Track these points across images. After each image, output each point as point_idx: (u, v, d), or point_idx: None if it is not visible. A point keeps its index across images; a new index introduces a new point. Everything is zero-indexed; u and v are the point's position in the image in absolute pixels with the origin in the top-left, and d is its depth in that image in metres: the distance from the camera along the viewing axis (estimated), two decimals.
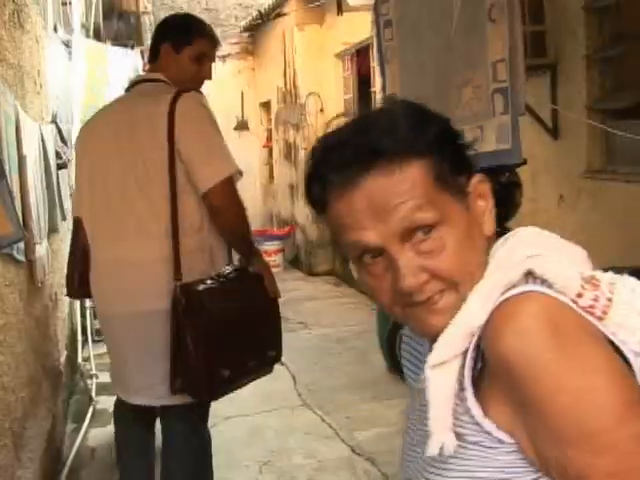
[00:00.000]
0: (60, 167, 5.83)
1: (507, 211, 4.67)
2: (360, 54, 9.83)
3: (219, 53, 15.08)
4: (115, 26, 14.80)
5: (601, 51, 4.93)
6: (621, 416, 1.17)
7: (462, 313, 1.27)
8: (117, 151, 3.48)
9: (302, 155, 11.40)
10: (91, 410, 5.77)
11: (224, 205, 3.39)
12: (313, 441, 5.08)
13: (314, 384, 6.22)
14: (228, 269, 3.54)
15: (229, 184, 3.39)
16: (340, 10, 7.61)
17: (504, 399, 1.24)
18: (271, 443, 5.08)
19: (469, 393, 1.27)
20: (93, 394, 6.04)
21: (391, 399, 5.65)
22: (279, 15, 11.68)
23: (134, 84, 3.73)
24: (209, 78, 3.86)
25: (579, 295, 1.25)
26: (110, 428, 5.31)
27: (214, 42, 3.92)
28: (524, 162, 4.72)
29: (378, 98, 4.19)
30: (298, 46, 11.39)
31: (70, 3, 8.83)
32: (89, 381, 6.28)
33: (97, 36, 12.43)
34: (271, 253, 11.41)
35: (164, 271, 3.35)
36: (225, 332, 3.34)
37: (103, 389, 5.70)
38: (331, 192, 1.33)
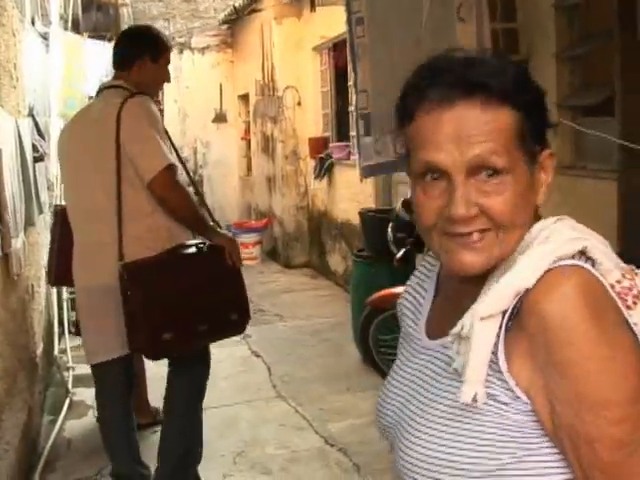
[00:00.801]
0: (37, 160, 5.83)
1: None
2: (337, 48, 9.85)
3: (199, 45, 14.95)
4: (94, 18, 14.78)
5: (570, 49, 5.01)
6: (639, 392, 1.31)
7: (513, 273, 1.34)
8: (85, 150, 4.15)
9: (279, 148, 11.44)
10: (67, 402, 5.82)
11: (165, 193, 3.97)
12: (287, 432, 5.15)
13: (288, 376, 6.29)
14: (188, 243, 4.17)
15: (167, 175, 3.95)
16: (313, 6, 7.64)
17: (530, 359, 1.33)
18: (245, 434, 5.15)
19: (501, 347, 1.35)
20: (70, 386, 6.08)
21: (364, 391, 5.73)
22: (254, 11, 11.71)
23: (102, 89, 4.38)
24: (169, 80, 4.57)
25: (618, 281, 1.38)
26: (86, 419, 5.40)
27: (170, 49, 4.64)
28: None
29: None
30: (276, 39, 11.41)
31: None
32: (65, 373, 6.32)
33: (75, 28, 12.41)
34: (248, 245, 11.47)
35: (111, 252, 4.00)
36: (170, 300, 3.94)
37: (79, 381, 5.75)
38: (424, 106, 1.41)
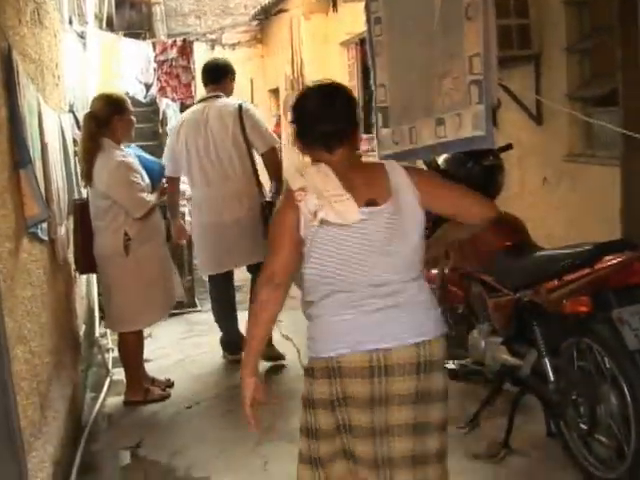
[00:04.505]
0: (77, 154, 6.15)
1: (490, 192, 5.02)
2: (364, 43, 10.05)
3: (229, 41, 15.11)
4: (127, 16, 15.14)
5: (580, 42, 5.26)
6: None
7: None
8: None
9: None
10: (108, 381, 6.16)
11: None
12: None
13: None
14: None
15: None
16: (335, 6, 7.89)
17: None
18: (274, 408, 5.41)
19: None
20: (110, 366, 6.43)
21: None
22: (282, 11, 11.92)
23: (206, 98, 6.43)
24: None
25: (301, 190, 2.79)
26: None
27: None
28: (511, 147, 5.07)
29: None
30: (305, 35, 11.63)
31: None
32: (106, 355, 6.67)
33: (110, 26, 12.76)
34: None
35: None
36: None
37: (118, 362, 6.05)
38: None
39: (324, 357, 2.81)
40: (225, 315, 6.57)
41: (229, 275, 6.51)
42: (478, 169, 4.88)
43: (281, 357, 6.40)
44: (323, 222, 2.71)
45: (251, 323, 2.89)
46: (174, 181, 6.34)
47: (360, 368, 2.75)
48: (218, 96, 6.33)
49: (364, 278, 2.77)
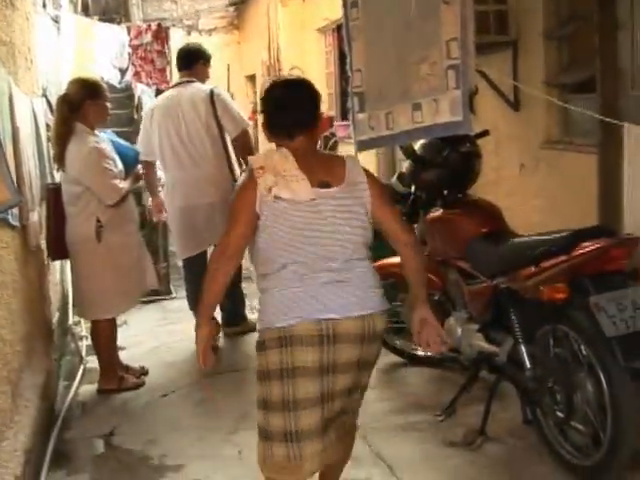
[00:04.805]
0: (50, 139, 6.08)
1: (467, 179, 5.00)
2: (341, 29, 10.01)
3: (206, 27, 15.07)
4: (102, 1, 14.99)
5: (558, 29, 5.24)
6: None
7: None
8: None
9: None
10: (81, 369, 6.10)
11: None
12: None
13: None
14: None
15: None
16: None
17: None
18: (252, 396, 5.39)
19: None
20: (83, 354, 6.37)
21: None
22: None
23: (179, 83, 6.51)
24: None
25: (261, 167, 3.09)
26: None
27: None
28: (487, 133, 5.06)
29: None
30: (281, 21, 11.61)
31: None
32: (79, 342, 6.61)
33: (85, 10, 12.63)
34: None
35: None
36: None
37: (92, 350, 5.99)
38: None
39: (276, 327, 3.04)
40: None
41: (204, 259, 6.42)
42: (455, 156, 4.86)
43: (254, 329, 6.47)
44: (277, 198, 3.01)
45: (204, 289, 3.17)
46: (150, 164, 6.38)
47: (310, 336, 3.00)
48: (191, 81, 6.39)
49: (313, 253, 3.05)
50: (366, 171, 3.25)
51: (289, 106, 3.18)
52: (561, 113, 5.36)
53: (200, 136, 6.19)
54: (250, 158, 3.23)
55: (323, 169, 3.15)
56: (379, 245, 6.54)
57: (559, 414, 3.99)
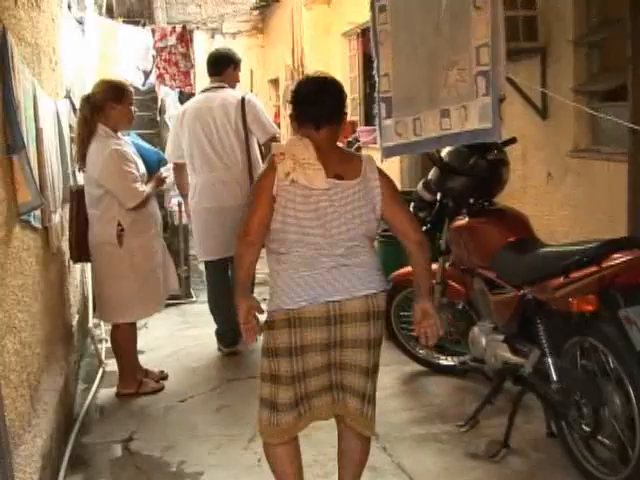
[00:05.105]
0: (73, 140, 6.06)
1: (494, 187, 4.94)
2: (365, 34, 9.98)
3: (230, 30, 15.09)
4: (127, 3, 15.03)
5: (587, 35, 5.16)
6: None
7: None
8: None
9: None
10: (100, 372, 6.07)
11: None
12: None
13: None
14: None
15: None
16: None
17: None
18: None
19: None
20: (103, 357, 6.33)
21: (386, 365, 5.84)
22: None
23: (209, 88, 6.48)
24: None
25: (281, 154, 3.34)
26: None
27: None
28: (515, 141, 4.99)
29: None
30: (306, 25, 11.57)
31: None
32: (99, 345, 6.57)
33: (109, 12, 12.66)
34: None
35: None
36: None
37: (112, 353, 5.96)
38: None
39: (286, 309, 3.32)
40: (220, 305, 6.51)
41: (226, 263, 6.44)
42: (482, 163, 4.80)
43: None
44: (293, 182, 3.27)
45: (235, 268, 3.48)
46: (180, 166, 6.48)
47: (318, 318, 3.30)
48: (221, 86, 6.44)
49: (321, 238, 3.30)
50: (380, 171, 3.47)
51: (317, 100, 3.41)
52: (590, 121, 5.28)
53: (230, 140, 6.25)
54: (273, 145, 3.51)
55: (340, 163, 3.39)
56: (401, 251, 6.50)
57: (586, 428, 3.93)
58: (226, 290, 6.42)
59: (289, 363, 3.35)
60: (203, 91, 6.63)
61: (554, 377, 4.05)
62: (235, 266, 3.48)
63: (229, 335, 6.44)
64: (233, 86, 6.56)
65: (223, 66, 6.54)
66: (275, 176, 3.29)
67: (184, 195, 6.75)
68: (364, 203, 3.37)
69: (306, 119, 3.42)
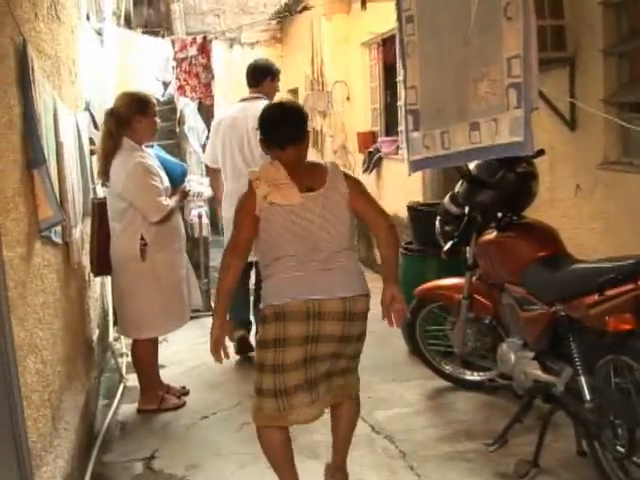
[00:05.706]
0: (93, 153, 6.00)
1: (523, 200, 4.84)
2: (386, 43, 9.91)
3: (248, 40, 15.00)
4: (145, 13, 15.01)
5: (617, 45, 5.06)
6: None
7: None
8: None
9: (329, 142, 11.56)
10: (121, 387, 6.00)
11: None
12: None
13: None
14: None
15: None
16: (364, 4, 7.76)
17: None
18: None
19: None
20: (123, 372, 6.26)
21: (410, 380, 5.84)
22: (305, 8, 11.80)
23: (246, 98, 6.73)
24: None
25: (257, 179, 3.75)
26: None
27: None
28: (543, 153, 4.88)
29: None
30: (325, 34, 11.49)
31: None
32: (120, 360, 6.51)
33: (128, 23, 12.64)
34: None
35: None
36: None
37: (132, 367, 5.90)
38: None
39: (275, 304, 3.71)
40: (238, 299, 6.43)
41: (247, 272, 6.51)
42: (511, 176, 4.72)
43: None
44: (271, 203, 3.70)
45: (219, 280, 3.88)
46: (215, 172, 6.81)
47: (299, 312, 3.67)
48: (258, 97, 6.61)
49: (303, 247, 3.72)
50: (345, 174, 3.92)
51: (279, 124, 3.84)
52: (620, 133, 5.16)
53: (260, 151, 6.17)
54: (248, 172, 3.94)
55: (309, 176, 3.82)
56: (425, 265, 6.40)
57: (620, 449, 3.82)
58: (245, 287, 6.76)
59: (273, 353, 3.73)
60: (240, 101, 6.82)
61: (587, 396, 3.94)
62: (219, 278, 3.87)
63: (244, 320, 6.81)
64: (272, 97, 6.66)
65: (260, 77, 6.75)
66: (255, 199, 3.72)
67: (217, 200, 6.95)
68: (336, 206, 3.77)
69: (272, 142, 3.84)
